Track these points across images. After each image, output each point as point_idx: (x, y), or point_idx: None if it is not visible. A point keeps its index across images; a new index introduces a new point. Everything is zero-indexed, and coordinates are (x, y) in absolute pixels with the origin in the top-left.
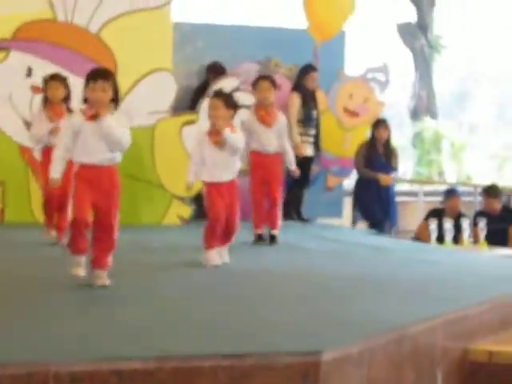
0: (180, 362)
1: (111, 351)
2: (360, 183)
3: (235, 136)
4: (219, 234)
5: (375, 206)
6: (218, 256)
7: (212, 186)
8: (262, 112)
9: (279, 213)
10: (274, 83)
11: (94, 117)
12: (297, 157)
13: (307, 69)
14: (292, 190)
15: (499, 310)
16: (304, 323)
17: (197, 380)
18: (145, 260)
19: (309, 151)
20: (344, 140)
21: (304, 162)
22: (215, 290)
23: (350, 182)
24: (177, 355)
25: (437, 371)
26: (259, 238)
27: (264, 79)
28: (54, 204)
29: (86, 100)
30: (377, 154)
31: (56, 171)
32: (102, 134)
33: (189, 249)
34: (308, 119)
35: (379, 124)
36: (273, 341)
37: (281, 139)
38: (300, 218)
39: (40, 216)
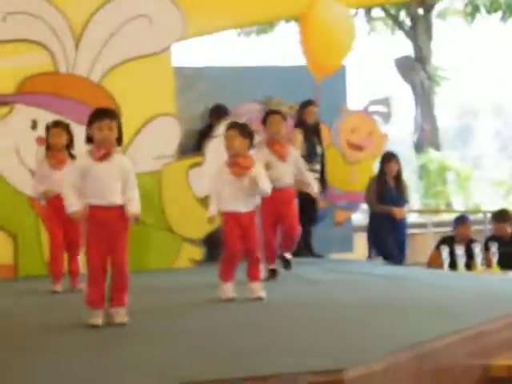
0: None
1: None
2: (373, 218)
3: (265, 181)
4: (235, 266)
5: (390, 240)
6: (232, 290)
7: (230, 217)
8: (276, 146)
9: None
10: (284, 117)
11: (105, 156)
12: (302, 193)
13: (306, 104)
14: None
15: None
16: (326, 344)
17: None
18: (159, 300)
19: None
20: (350, 174)
21: (310, 199)
22: (234, 320)
23: (359, 216)
24: (203, 381)
25: None
26: (273, 273)
27: (275, 113)
28: (62, 252)
29: (89, 140)
30: (388, 188)
31: (72, 204)
32: (116, 173)
33: (203, 287)
34: (312, 154)
35: (389, 158)
36: (296, 361)
37: (299, 170)
38: (312, 253)
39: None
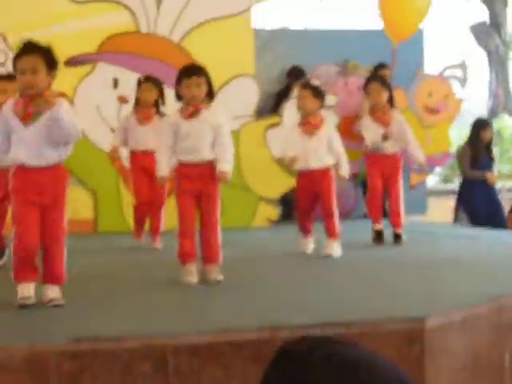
0: (291, 332)
1: (225, 324)
2: (466, 185)
3: (337, 142)
4: (306, 221)
5: (482, 207)
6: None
7: (301, 174)
8: (379, 113)
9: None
10: (384, 83)
11: (194, 114)
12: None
13: (378, 67)
14: None
15: None
16: (408, 294)
17: None
18: (241, 255)
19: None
20: (425, 138)
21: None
22: (317, 273)
23: (433, 179)
24: (287, 325)
25: None
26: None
27: (375, 81)
28: (145, 209)
29: (179, 97)
30: (481, 155)
31: (162, 169)
32: (206, 130)
33: (279, 244)
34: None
35: (484, 125)
36: (378, 310)
37: (404, 134)
38: None
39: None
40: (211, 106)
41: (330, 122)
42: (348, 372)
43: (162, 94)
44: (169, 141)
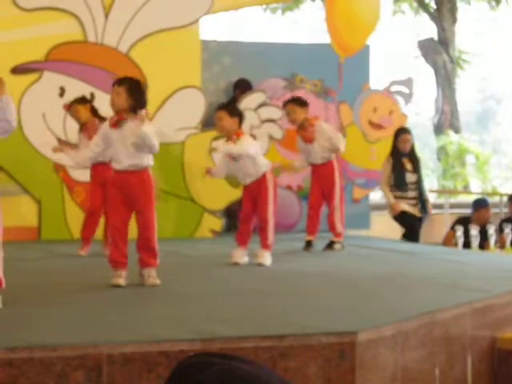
0: (224, 343)
1: (160, 335)
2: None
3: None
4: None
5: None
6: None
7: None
8: (301, 132)
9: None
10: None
11: (117, 124)
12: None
13: (399, 132)
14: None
15: None
16: (340, 309)
17: None
18: (181, 264)
19: (407, 207)
20: (369, 153)
21: (409, 221)
22: (254, 285)
23: (376, 194)
24: (221, 337)
25: (467, 356)
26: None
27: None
28: (97, 218)
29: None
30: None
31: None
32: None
33: (220, 255)
34: (400, 184)
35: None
36: (311, 324)
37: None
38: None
39: (76, 232)
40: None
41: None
42: None
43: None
44: (94, 147)
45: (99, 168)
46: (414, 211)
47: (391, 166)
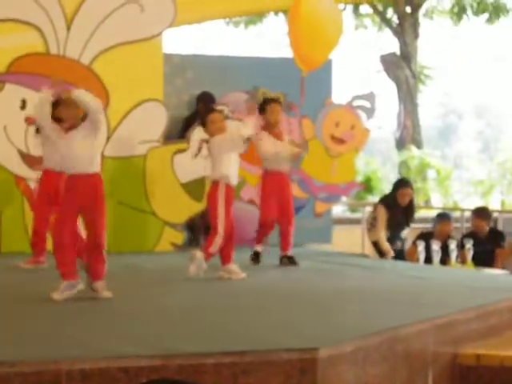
0: (184, 360)
1: (119, 351)
2: None
3: None
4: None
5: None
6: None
7: None
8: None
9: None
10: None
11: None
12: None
13: (401, 184)
14: None
15: (486, 317)
16: (301, 325)
17: (201, 376)
18: (141, 279)
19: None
20: (331, 167)
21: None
22: (213, 300)
23: (338, 208)
24: (181, 353)
25: (428, 372)
26: (256, 256)
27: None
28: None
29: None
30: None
31: None
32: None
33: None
34: (394, 237)
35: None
36: (272, 339)
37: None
38: None
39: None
40: None
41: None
42: None
43: None
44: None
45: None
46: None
47: (387, 219)
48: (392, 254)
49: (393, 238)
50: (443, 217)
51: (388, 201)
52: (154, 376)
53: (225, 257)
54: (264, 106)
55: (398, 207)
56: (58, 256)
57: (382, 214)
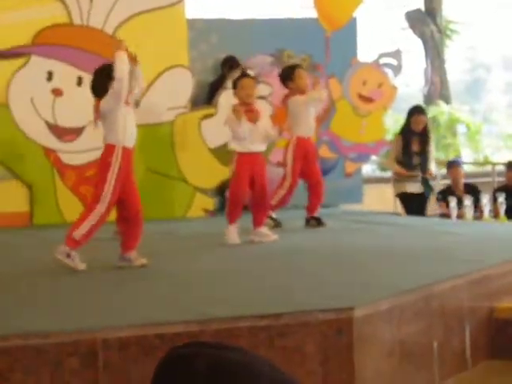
0: (220, 324)
1: (155, 318)
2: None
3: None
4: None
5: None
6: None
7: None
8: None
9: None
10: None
11: None
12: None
13: (413, 111)
14: None
15: None
16: (336, 285)
17: (236, 340)
18: (174, 245)
19: (411, 188)
20: (360, 126)
21: (409, 200)
22: (247, 264)
23: (368, 167)
24: (217, 318)
25: (465, 328)
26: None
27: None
28: None
29: None
30: (412, 145)
31: None
32: None
33: (214, 235)
34: (407, 165)
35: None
36: (306, 301)
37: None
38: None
39: (68, 216)
40: None
41: None
42: (231, 380)
43: None
44: None
45: None
46: (418, 189)
47: (401, 146)
48: (405, 172)
49: (406, 164)
50: (453, 163)
51: (402, 129)
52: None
53: (256, 221)
54: (290, 72)
55: (412, 134)
56: None
57: (397, 142)
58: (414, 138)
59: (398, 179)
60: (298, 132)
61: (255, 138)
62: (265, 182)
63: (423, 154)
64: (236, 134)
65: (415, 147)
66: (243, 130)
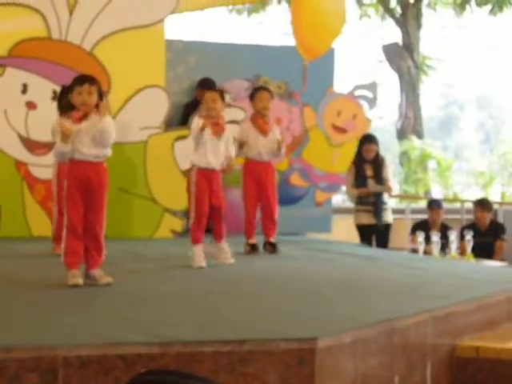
0: (182, 348)
1: (117, 338)
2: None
3: None
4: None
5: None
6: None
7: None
8: (260, 121)
9: (276, 221)
10: (272, 94)
11: (83, 118)
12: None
13: (364, 140)
14: None
15: (486, 309)
16: (300, 314)
17: (198, 365)
18: (140, 265)
19: (365, 219)
20: (332, 156)
21: (365, 231)
22: (213, 287)
23: (338, 197)
24: (179, 341)
25: (426, 364)
26: (252, 248)
27: (264, 90)
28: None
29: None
30: (364, 172)
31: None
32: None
33: (180, 256)
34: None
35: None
36: (270, 328)
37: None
38: None
39: (35, 230)
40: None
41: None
42: None
43: None
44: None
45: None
46: (371, 220)
47: (354, 172)
48: (360, 192)
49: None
50: (434, 203)
51: (355, 157)
52: (152, 364)
53: (216, 234)
54: (253, 93)
55: (364, 161)
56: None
57: (350, 170)
58: (366, 165)
59: (356, 210)
60: (247, 155)
61: (215, 153)
62: (221, 198)
63: (377, 177)
64: (196, 139)
65: (369, 172)
66: (204, 139)
